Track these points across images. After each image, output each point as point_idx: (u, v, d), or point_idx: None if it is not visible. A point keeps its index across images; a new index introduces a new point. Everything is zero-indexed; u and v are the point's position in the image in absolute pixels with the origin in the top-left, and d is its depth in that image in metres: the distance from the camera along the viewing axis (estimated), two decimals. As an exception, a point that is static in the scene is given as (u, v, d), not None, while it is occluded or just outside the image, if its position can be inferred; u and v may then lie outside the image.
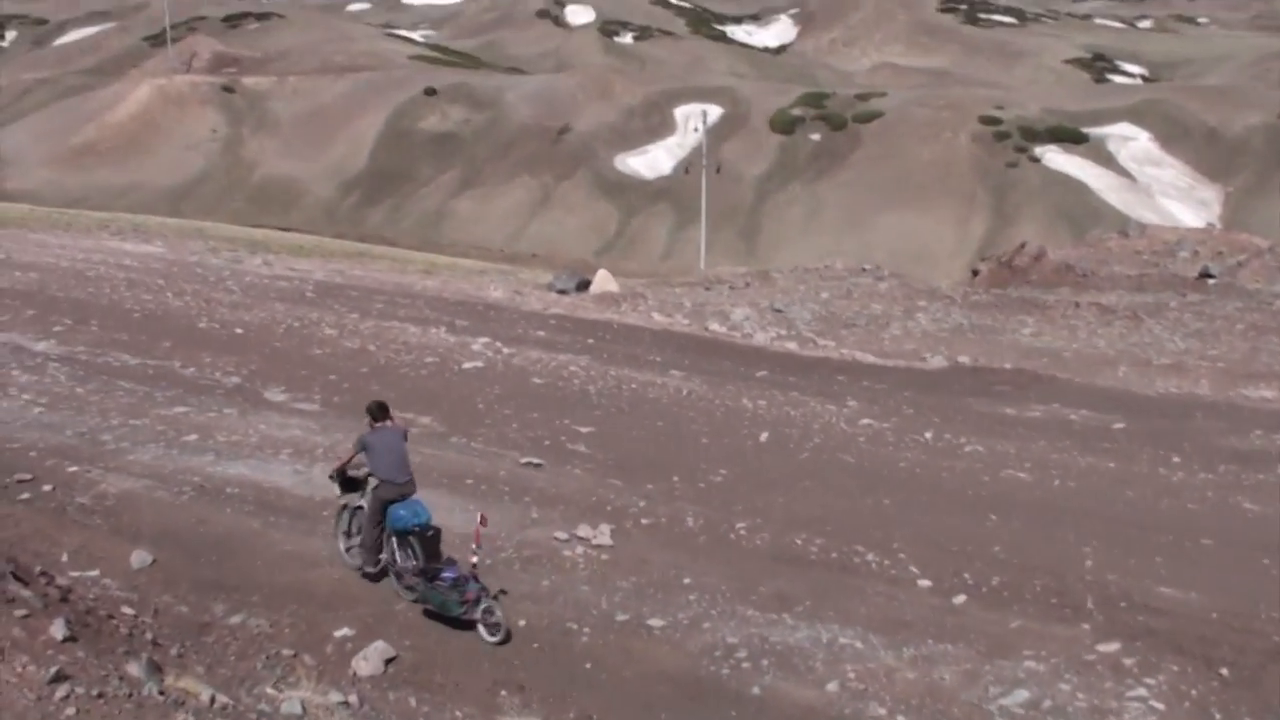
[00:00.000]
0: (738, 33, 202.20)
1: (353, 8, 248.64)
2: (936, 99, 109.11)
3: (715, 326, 24.68)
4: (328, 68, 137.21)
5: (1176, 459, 17.60)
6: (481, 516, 12.10)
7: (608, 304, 26.80)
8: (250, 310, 24.78)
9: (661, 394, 19.61)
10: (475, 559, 11.69)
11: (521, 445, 16.94)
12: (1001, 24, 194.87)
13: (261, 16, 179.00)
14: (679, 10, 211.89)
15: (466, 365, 21.03)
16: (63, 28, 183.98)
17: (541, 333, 23.82)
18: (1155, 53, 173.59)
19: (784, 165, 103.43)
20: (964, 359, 23.28)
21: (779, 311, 25.94)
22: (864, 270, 31.41)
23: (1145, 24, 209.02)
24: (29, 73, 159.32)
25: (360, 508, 12.71)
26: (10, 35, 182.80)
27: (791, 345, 23.45)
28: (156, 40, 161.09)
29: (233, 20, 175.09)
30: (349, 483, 12.94)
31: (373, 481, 12.39)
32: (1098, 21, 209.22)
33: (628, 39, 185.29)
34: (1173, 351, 24.97)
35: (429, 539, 11.96)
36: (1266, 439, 18.87)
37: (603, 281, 28.26)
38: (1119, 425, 19.27)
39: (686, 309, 26.53)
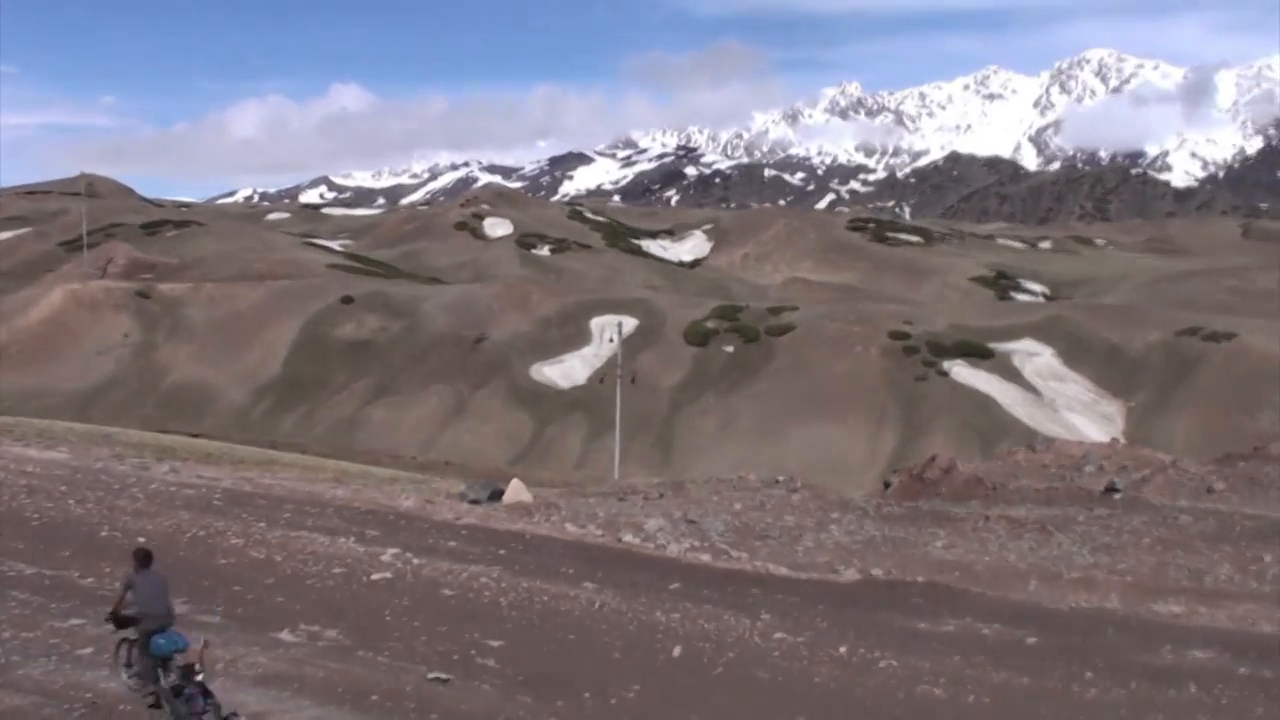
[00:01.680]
0: (653, 247, 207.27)
1: (272, 217, 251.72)
2: (847, 313, 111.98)
3: (629, 538, 24.56)
4: (245, 275, 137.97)
5: (1089, 674, 17.60)
6: (205, 641, 14.00)
7: (521, 514, 26.62)
8: (154, 519, 24.27)
9: (574, 606, 19.35)
10: (200, 677, 13.32)
11: (429, 659, 16.56)
12: (908, 243, 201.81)
13: (180, 224, 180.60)
14: (595, 225, 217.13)
15: (375, 576, 20.66)
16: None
17: (453, 543, 23.53)
18: (1056, 272, 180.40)
19: (698, 376, 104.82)
20: (877, 572, 23.30)
21: (693, 523, 25.91)
22: (777, 481, 31.59)
23: (1045, 244, 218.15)
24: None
25: (131, 641, 14.53)
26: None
27: (705, 557, 23.36)
28: (73, 246, 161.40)
29: (151, 228, 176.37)
30: (122, 621, 14.63)
31: (139, 617, 14.18)
32: (1000, 242, 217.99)
33: (545, 251, 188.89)
34: (1082, 565, 25.19)
35: (184, 664, 13.63)
36: (1177, 654, 18.96)
37: (516, 491, 28.11)
38: (1031, 640, 19.28)
39: (600, 519, 26.41)
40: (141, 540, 20.34)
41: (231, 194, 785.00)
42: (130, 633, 14.53)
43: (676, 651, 17.35)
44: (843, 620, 19.47)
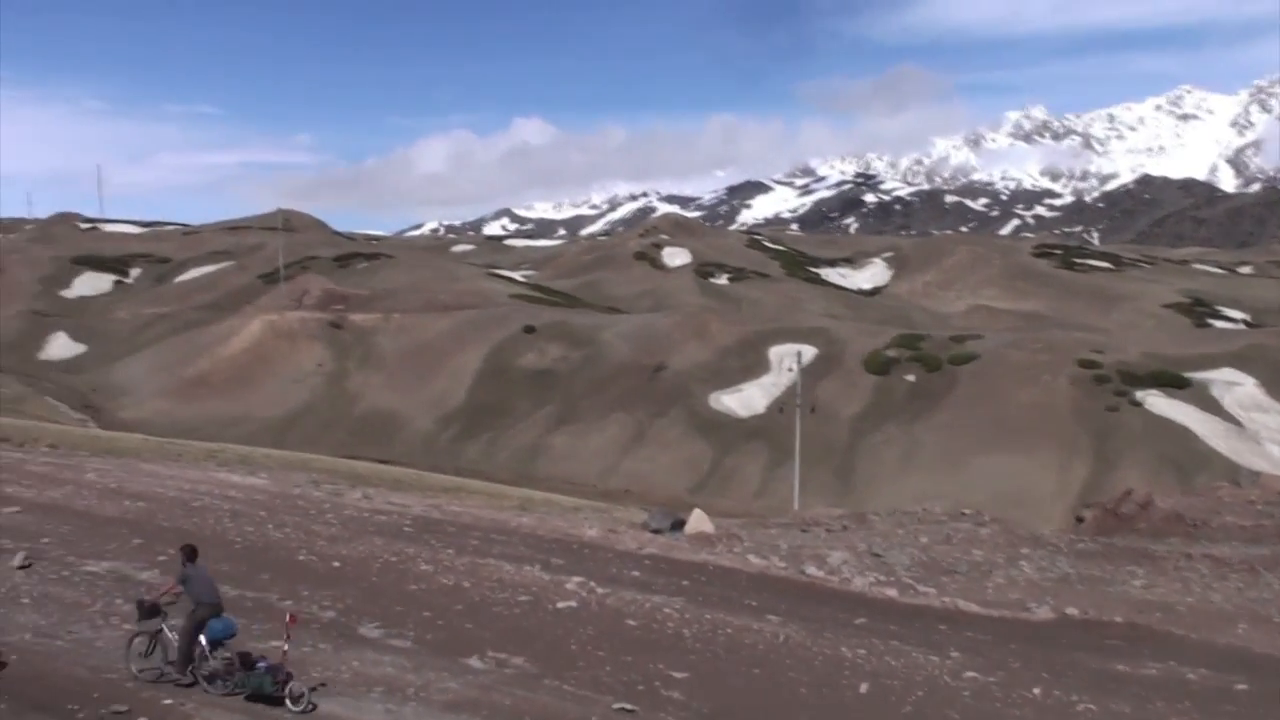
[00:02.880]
0: (832, 275, 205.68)
1: (457, 249, 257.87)
2: (1033, 342, 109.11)
3: (812, 570, 24.32)
4: (431, 305, 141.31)
5: (1302, 723, 16.76)
6: (291, 615, 16.21)
7: (702, 544, 26.60)
8: (348, 544, 24.97)
9: (758, 640, 19.23)
10: (286, 649, 15.72)
11: (615, 689, 16.64)
12: (1097, 269, 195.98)
13: (371, 257, 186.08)
14: (774, 253, 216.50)
15: (560, 604, 20.87)
16: (183, 266, 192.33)
17: (636, 573, 23.63)
18: (1257, 298, 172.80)
19: (879, 405, 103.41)
20: (1072, 610, 22.57)
21: (877, 556, 25.53)
22: (964, 515, 30.93)
23: (1246, 269, 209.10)
24: (150, 308, 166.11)
25: (160, 632, 16.07)
26: (134, 272, 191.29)
27: (891, 592, 22.99)
28: (270, 278, 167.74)
29: (343, 260, 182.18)
30: (148, 611, 16.12)
31: (189, 605, 15.84)
32: (1196, 267, 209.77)
33: (723, 280, 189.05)
34: (1292, 607, 24.02)
35: (230, 644, 15.85)
36: (1397, 703, 17.92)
37: (698, 522, 28.09)
38: (1241, 686, 18.44)
39: (782, 551, 26.22)
40: (327, 560, 20.91)
41: (418, 227, 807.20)
42: (153, 624, 16.07)
43: (864, 688, 17.10)
44: (1036, 660, 18.92)
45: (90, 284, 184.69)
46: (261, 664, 15.44)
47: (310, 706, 15.06)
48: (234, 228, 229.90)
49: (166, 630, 16.09)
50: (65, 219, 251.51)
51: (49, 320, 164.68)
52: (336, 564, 23.20)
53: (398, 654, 17.86)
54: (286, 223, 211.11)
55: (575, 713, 15.63)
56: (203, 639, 15.74)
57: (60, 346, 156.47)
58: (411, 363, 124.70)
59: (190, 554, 16.38)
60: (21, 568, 21.55)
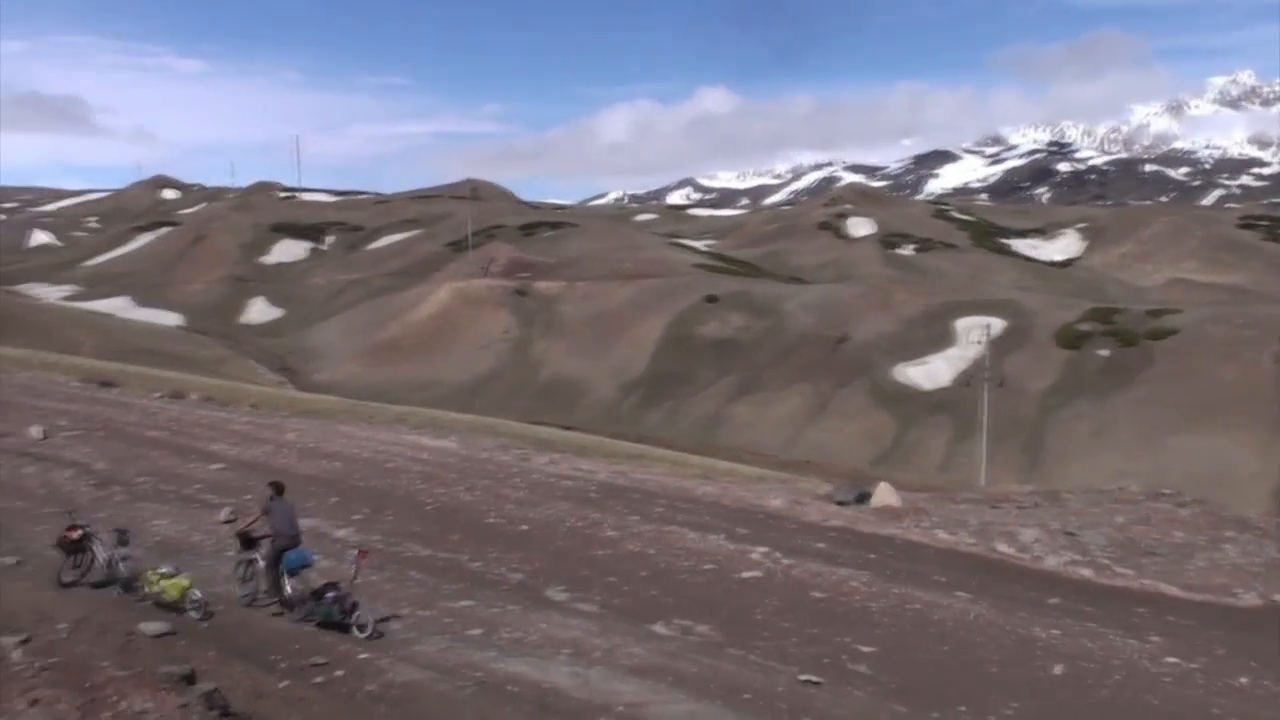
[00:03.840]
0: (1022, 246, 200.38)
1: (641, 218, 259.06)
2: (1238, 316, 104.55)
3: (1003, 547, 23.73)
4: (614, 274, 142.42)
5: None
6: (361, 551, 17.50)
7: (889, 518, 26.20)
8: (536, 508, 25.32)
9: (947, 616, 18.84)
10: (357, 580, 16.95)
11: (800, 661, 16.49)
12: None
13: (555, 225, 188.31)
14: (961, 224, 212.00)
15: (745, 574, 20.79)
16: (375, 234, 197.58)
17: (821, 545, 23.40)
18: None
19: (1070, 380, 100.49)
20: None
21: (1071, 535, 24.75)
22: (1163, 494, 29.78)
23: None
24: (343, 274, 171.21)
25: (254, 560, 17.59)
26: (329, 240, 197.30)
27: (1086, 572, 22.26)
28: (458, 246, 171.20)
29: (529, 229, 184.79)
30: (247, 541, 17.69)
31: (269, 534, 17.27)
32: None
33: (909, 251, 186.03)
34: None
35: (308, 574, 17.17)
36: None
37: (884, 495, 27.67)
38: None
39: (971, 527, 25.64)
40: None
41: (602, 196, 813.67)
42: (253, 553, 17.62)
43: (1058, 670, 16.60)
44: (1243, 648, 18.10)
45: (287, 251, 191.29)
46: (330, 594, 16.57)
47: (376, 634, 16.30)
48: (424, 196, 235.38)
49: (260, 559, 17.59)
50: (264, 188, 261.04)
51: (249, 285, 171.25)
52: (524, 527, 23.55)
53: (584, 618, 18.02)
54: (474, 191, 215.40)
55: (760, 682, 15.54)
56: (283, 569, 17.17)
57: (259, 311, 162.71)
58: (594, 330, 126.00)
59: (277, 489, 17.91)
60: (226, 522, 22.43)
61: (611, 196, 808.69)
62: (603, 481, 28.90)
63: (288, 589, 17.17)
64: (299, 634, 16.40)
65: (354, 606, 16.48)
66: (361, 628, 16.35)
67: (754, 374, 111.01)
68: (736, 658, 16.56)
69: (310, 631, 16.46)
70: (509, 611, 18.05)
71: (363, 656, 15.64)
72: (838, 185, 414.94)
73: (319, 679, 14.81)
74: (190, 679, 12.03)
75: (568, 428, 66.24)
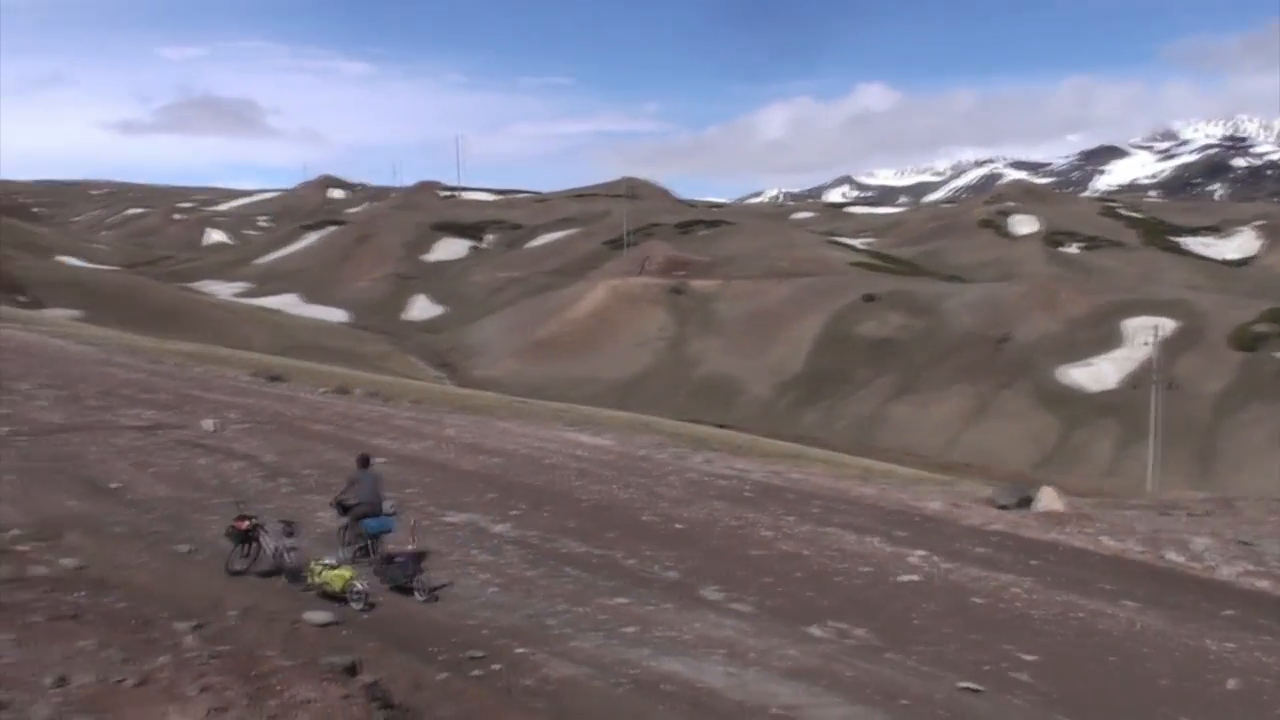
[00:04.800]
0: (1194, 244, 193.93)
1: (798, 216, 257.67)
2: None
3: (1173, 555, 22.92)
4: (771, 272, 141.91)
5: None
6: (414, 521, 19.57)
7: (1052, 523, 25.53)
8: (690, 506, 25.30)
9: (1113, 625, 18.26)
10: (412, 547, 18.13)
11: (960, 667, 16.14)
12: None
13: (712, 224, 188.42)
14: (1130, 221, 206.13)
15: (903, 578, 20.47)
16: (534, 232, 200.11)
17: (982, 549, 22.90)
18: None
19: (1245, 383, 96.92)
20: None
21: (1246, 544, 23.79)
22: (1346, 504, 28.49)
23: None
24: (503, 272, 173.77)
25: (347, 527, 19.24)
26: (489, 238, 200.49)
27: (1263, 584, 21.36)
28: (615, 244, 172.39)
29: (685, 227, 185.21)
30: (344, 509, 19.38)
31: (354, 501, 19.06)
32: None
33: (1074, 249, 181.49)
34: None
35: (387, 539, 18.80)
36: None
37: (1048, 499, 26.98)
38: None
39: (1139, 534, 24.84)
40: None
41: (759, 194, 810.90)
42: (346, 521, 19.28)
43: (1231, 684, 15.96)
44: None
45: (449, 249, 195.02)
46: (399, 559, 17.99)
47: (434, 599, 17.72)
48: (582, 195, 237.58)
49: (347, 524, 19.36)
50: (427, 187, 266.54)
51: (411, 283, 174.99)
52: (679, 526, 23.54)
53: (739, 618, 17.93)
54: (632, 190, 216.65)
55: (918, 688, 15.27)
56: (364, 533, 18.89)
57: (421, 308, 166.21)
58: (751, 329, 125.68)
59: (363, 462, 19.70)
60: (389, 514, 22.88)
61: (768, 194, 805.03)
62: (758, 481, 28.76)
63: (371, 551, 18.76)
64: (457, 627, 16.64)
65: (416, 571, 17.83)
66: (421, 591, 17.72)
67: (912, 374, 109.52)
68: (894, 663, 16.30)
69: (469, 625, 16.70)
70: (664, 610, 18.05)
71: (519, 650, 15.80)
72: (1000, 182, 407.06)
73: (477, 672, 15.00)
74: (353, 670, 12.28)
75: (723, 426, 66.18)
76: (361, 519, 18.98)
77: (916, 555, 21.89)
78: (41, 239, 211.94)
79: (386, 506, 19.73)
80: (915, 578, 20.49)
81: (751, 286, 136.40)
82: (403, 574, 17.88)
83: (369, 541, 18.82)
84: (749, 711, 14.24)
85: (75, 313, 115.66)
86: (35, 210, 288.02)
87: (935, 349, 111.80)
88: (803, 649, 16.61)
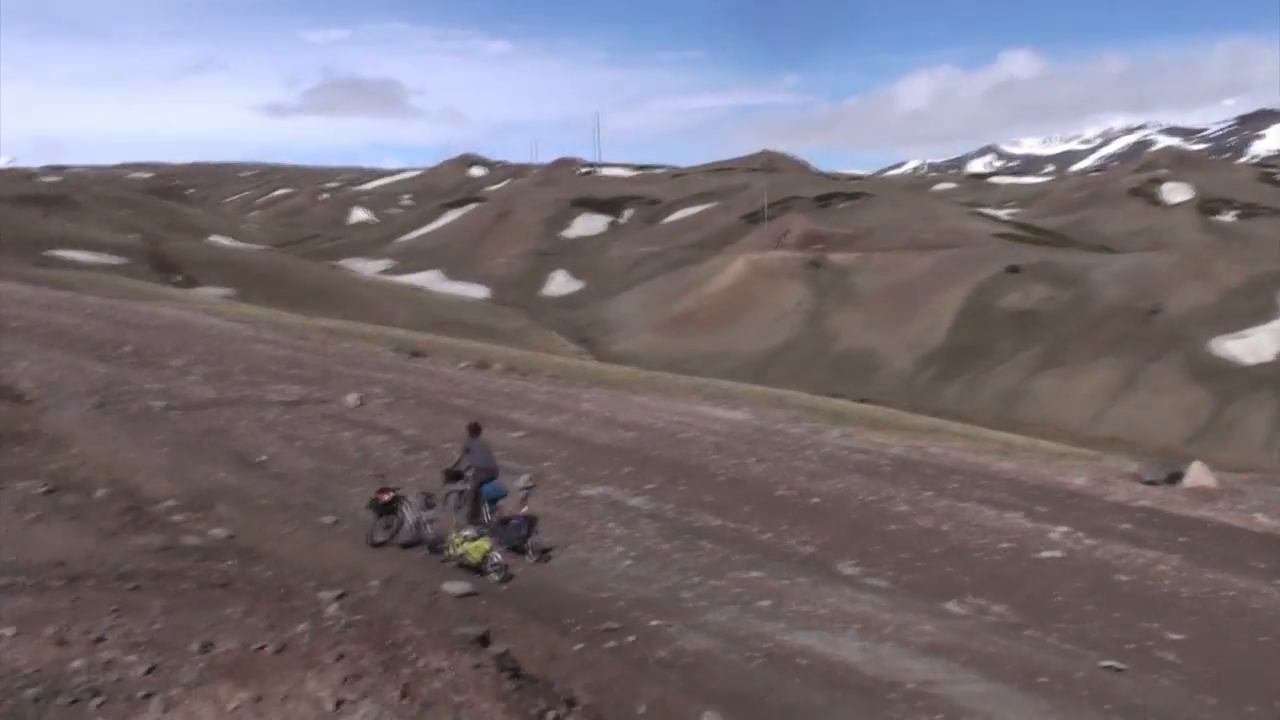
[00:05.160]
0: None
1: (939, 187, 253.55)
2: None
3: (1330, 534, 22.09)
4: (912, 244, 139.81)
5: None
6: (528, 488, 19.89)
7: (1202, 499, 24.76)
8: (827, 480, 25.14)
9: (1265, 605, 17.66)
10: (526, 511, 19.07)
11: (1102, 646, 15.79)
12: None
13: (851, 196, 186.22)
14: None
15: (1044, 554, 20.06)
16: (672, 207, 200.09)
17: (1127, 525, 22.32)
18: None
19: None
20: None
21: None
22: None
23: None
24: (641, 247, 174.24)
25: (462, 491, 20.02)
26: (628, 213, 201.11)
27: None
28: (753, 218, 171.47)
29: (824, 200, 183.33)
30: (454, 475, 20.27)
31: (471, 470, 19.74)
32: None
33: (1230, 217, 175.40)
34: None
35: (502, 503, 19.58)
36: None
37: (1198, 474, 26.15)
38: None
39: (1295, 511, 23.99)
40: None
41: (899, 165, 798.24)
42: (460, 484, 20.06)
43: (1392, 668, 15.35)
44: None
45: (587, 225, 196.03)
46: (514, 521, 18.93)
47: (545, 559, 18.69)
48: (719, 169, 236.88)
49: (467, 488, 20.07)
50: (565, 164, 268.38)
51: (550, 259, 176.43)
52: (815, 500, 23.41)
53: (875, 593, 17.79)
54: (770, 163, 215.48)
55: (1058, 666, 14.99)
56: (482, 498, 19.77)
57: (560, 283, 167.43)
58: (890, 302, 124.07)
59: (474, 430, 20.46)
60: (526, 488, 23.18)
61: (910, 166, 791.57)
62: (896, 455, 28.45)
63: (486, 515, 19.59)
64: (593, 599, 16.81)
65: (529, 533, 18.77)
66: (532, 551, 18.60)
67: (1058, 347, 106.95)
68: (1033, 640, 16.01)
69: (603, 598, 16.85)
70: (798, 584, 17.99)
71: (653, 623, 15.90)
72: (1151, 149, 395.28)
73: (611, 644, 15.15)
74: (484, 640, 12.47)
75: (862, 400, 65.53)
76: (481, 484, 19.76)
77: (1058, 531, 21.44)
78: (194, 220, 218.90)
79: (524, 480, 20.10)
80: (1057, 554, 20.09)
81: (892, 259, 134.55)
82: (517, 535, 18.69)
83: (485, 504, 19.67)
84: (884, 686, 14.15)
85: (226, 291, 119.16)
86: (189, 192, 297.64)
87: (1082, 321, 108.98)
88: (939, 625, 16.43)
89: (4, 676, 10.12)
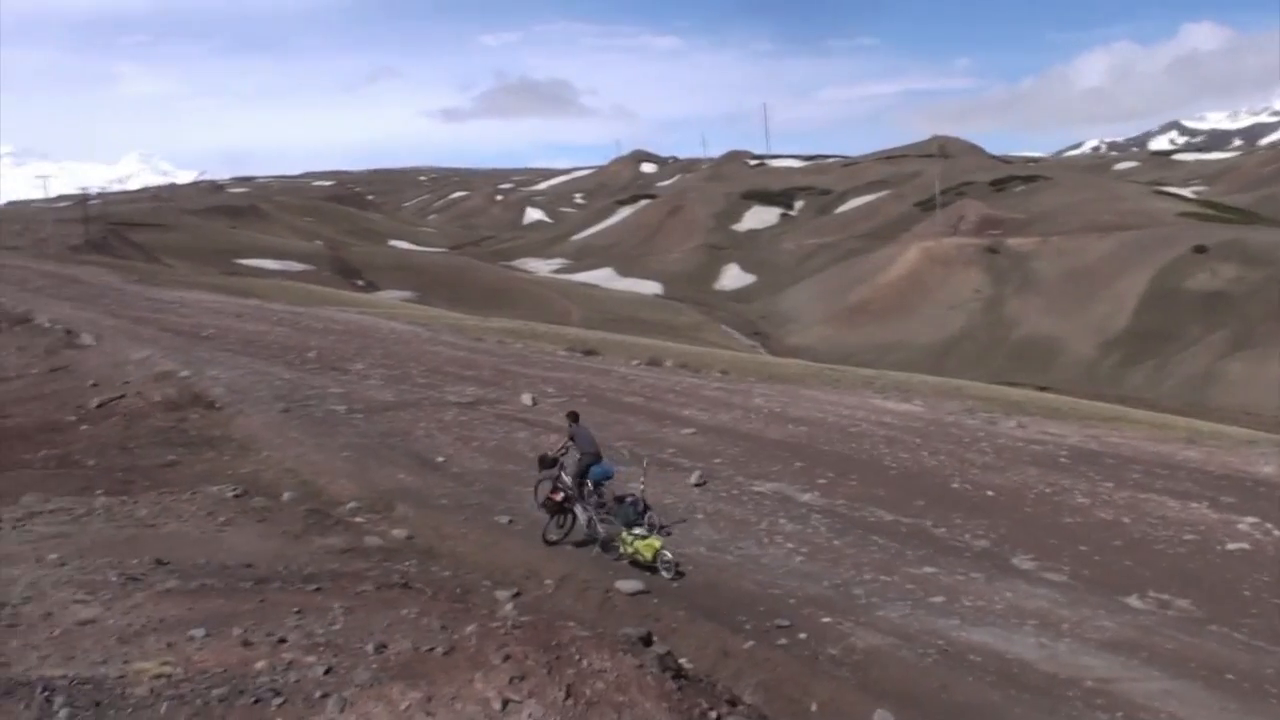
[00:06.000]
0: None
1: (1120, 167, 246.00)
2: None
3: None
4: (1092, 227, 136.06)
5: None
6: (646, 465, 20.97)
7: (1404, 487, 23.65)
8: (1002, 473, 24.72)
9: None
10: (642, 488, 19.76)
11: (1295, 641, 15.26)
12: None
13: (1028, 179, 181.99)
14: None
15: (1230, 546, 19.42)
16: (843, 197, 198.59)
17: (1321, 515, 21.46)
18: None
19: None
20: None
21: None
22: None
23: None
24: (813, 238, 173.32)
25: (558, 478, 20.01)
26: (799, 204, 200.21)
27: None
28: (927, 205, 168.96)
29: (999, 184, 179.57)
30: (546, 462, 20.42)
31: (575, 455, 20.00)
32: None
33: None
34: None
35: (613, 483, 19.90)
36: None
37: (1398, 461, 24.96)
38: None
39: None
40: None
41: (1078, 146, 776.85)
42: (552, 472, 20.21)
43: None
44: None
45: (758, 217, 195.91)
46: (628, 499, 19.16)
47: (667, 532, 19.57)
48: (891, 157, 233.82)
49: (563, 475, 20.08)
50: (735, 157, 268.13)
51: (722, 253, 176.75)
52: (990, 493, 23.06)
53: (1052, 588, 17.48)
54: (942, 149, 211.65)
55: (1245, 662, 14.55)
56: (588, 481, 19.98)
57: (732, 277, 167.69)
58: (1071, 286, 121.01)
59: (574, 417, 20.90)
60: (697, 485, 23.38)
61: (1088, 146, 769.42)
62: (1074, 446, 27.79)
63: (594, 496, 19.91)
64: (764, 596, 16.91)
65: (646, 508, 19.18)
66: (651, 529, 18.82)
67: (1248, 328, 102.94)
68: (1219, 635, 15.56)
69: (774, 595, 16.93)
70: (972, 579, 17.79)
71: (825, 620, 15.93)
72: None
73: (782, 641, 15.23)
74: (647, 640, 12.69)
75: (1041, 389, 64.11)
76: (588, 466, 20.03)
77: (1246, 522, 20.71)
78: (375, 225, 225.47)
79: (644, 465, 21.06)
80: (1244, 546, 19.42)
81: (1071, 242, 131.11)
82: (634, 512, 18.88)
83: (593, 485, 20.01)
84: (1061, 684, 13.94)
85: (406, 294, 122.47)
86: (369, 198, 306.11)
87: (1273, 301, 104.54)
88: (1120, 620, 16.08)
89: (193, 676, 10.73)
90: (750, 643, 15.00)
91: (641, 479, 20.18)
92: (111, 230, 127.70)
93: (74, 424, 30.34)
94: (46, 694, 9.86)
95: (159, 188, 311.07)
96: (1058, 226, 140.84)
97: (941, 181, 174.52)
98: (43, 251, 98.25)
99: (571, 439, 20.42)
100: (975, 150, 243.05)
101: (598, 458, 20.16)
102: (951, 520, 21.01)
